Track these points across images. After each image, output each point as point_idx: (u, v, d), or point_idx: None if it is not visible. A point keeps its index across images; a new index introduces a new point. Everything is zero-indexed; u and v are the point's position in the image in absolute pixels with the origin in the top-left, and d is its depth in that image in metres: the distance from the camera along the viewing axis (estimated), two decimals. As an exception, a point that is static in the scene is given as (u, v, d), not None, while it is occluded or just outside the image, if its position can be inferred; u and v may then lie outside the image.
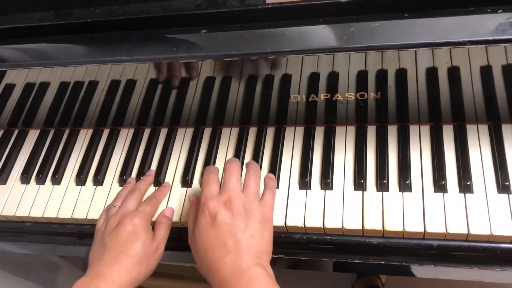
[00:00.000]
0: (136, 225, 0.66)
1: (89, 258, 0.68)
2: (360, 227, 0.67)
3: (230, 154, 0.79)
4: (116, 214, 0.69)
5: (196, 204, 0.67)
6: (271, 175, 0.70)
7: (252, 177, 0.66)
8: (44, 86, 0.81)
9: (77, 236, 0.81)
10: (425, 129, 0.73)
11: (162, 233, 0.69)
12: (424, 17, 0.57)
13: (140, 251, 0.64)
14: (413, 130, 0.73)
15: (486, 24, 0.55)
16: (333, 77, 0.69)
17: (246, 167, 0.69)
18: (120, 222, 0.67)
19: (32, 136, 0.90)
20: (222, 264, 0.58)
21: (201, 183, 0.69)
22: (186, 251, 0.76)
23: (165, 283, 1.39)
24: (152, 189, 0.78)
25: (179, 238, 0.73)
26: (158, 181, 0.78)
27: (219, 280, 0.58)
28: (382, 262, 0.70)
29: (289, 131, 0.79)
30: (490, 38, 0.54)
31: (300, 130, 0.78)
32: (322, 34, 0.59)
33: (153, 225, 0.71)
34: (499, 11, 0.56)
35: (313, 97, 0.73)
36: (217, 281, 0.58)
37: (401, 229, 0.65)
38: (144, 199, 0.74)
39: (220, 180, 0.69)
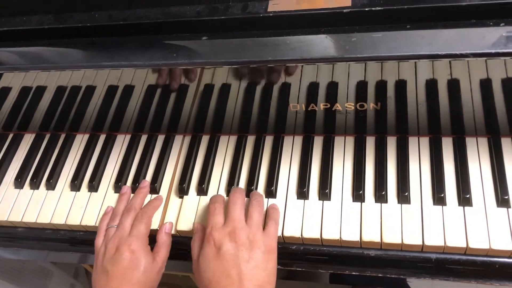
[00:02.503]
0: (134, 251, 0.66)
1: (93, 283, 0.68)
2: (358, 239, 0.66)
3: (228, 162, 0.78)
4: (114, 238, 0.68)
5: (201, 231, 0.68)
6: (275, 206, 0.70)
7: (256, 208, 0.67)
8: (41, 90, 0.80)
9: (70, 243, 0.79)
10: (425, 141, 0.73)
11: (164, 254, 0.70)
12: (426, 29, 0.57)
13: (142, 277, 0.65)
14: (413, 141, 0.73)
15: (488, 37, 0.55)
16: (333, 87, 0.69)
17: (250, 197, 0.70)
18: (118, 249, 0.67)
19: (27, 140, 0.89)
20: None
21: (207, 211, 0.69)
22: (179, 260, 0.76)
23: (158, 292, 1.37)
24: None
25: (172, 247, 0.72)
26: (154, 188, 0.77)
27: None
28: (380, 275, 0.69)
29: (287, 140, 0.78)
30: (493, 51, 0.54)
31: (298, 140, 0.78)
32: (323, 43, 0.59)
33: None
34: (501, 24, 0.56)
35: (312, 107, 0.72)
36: None
37: (399, 241, 0.65)
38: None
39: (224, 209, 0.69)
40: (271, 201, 0.72)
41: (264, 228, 0.66)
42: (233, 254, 0.61)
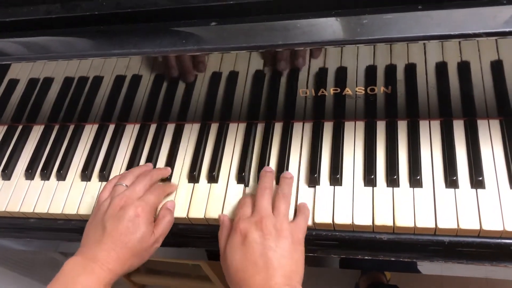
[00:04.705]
0: (139, 215, 0.65)
1: (85, 233, 0.67)
2: (370, 223, 0.66)
3: (237, 150, 0.78)
4: (122, 195, 0.67)
5: (228, 222, 0.67)
6: (305, 204, 0.69)
7: (282, 199, 0.66)
8: (48, 81, 0.80)
9: (81, 233, 0.80)
10: (436, 124, 0.73)
11: (164, 228, 0.68)
12: (438, 9, 0.56)
13: (138, 244, 0.64)
14: (423, 125, 0.73)
15: (501, 15, 0.54)
16: (343, 71, 0.68)
17: (278, 186, 0.69)
18: (123, 207, 0.65)
19: (36, 132, 0.89)
20: (253, 282, 0.58)
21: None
22: (189, 247, 0.76)
23: (169, 282, 1.38)
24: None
25: (183, 234, 0.72)
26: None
27: None
28: (392, 259, 0.69)
29: (297, 127, 0.78)
30: (507, 29, 0.53)
31: (308, 126, 0.77)
32: (334, 26, 0.58)
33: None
34: (515, 2, 0.55)
35: (322, 92, 0.72)
36: None
37: (412, 225, 0.64)
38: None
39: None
40: (282, 187, 0.72)
41: (293, 220, 0.66)
42: (260, 243, 0.60)
